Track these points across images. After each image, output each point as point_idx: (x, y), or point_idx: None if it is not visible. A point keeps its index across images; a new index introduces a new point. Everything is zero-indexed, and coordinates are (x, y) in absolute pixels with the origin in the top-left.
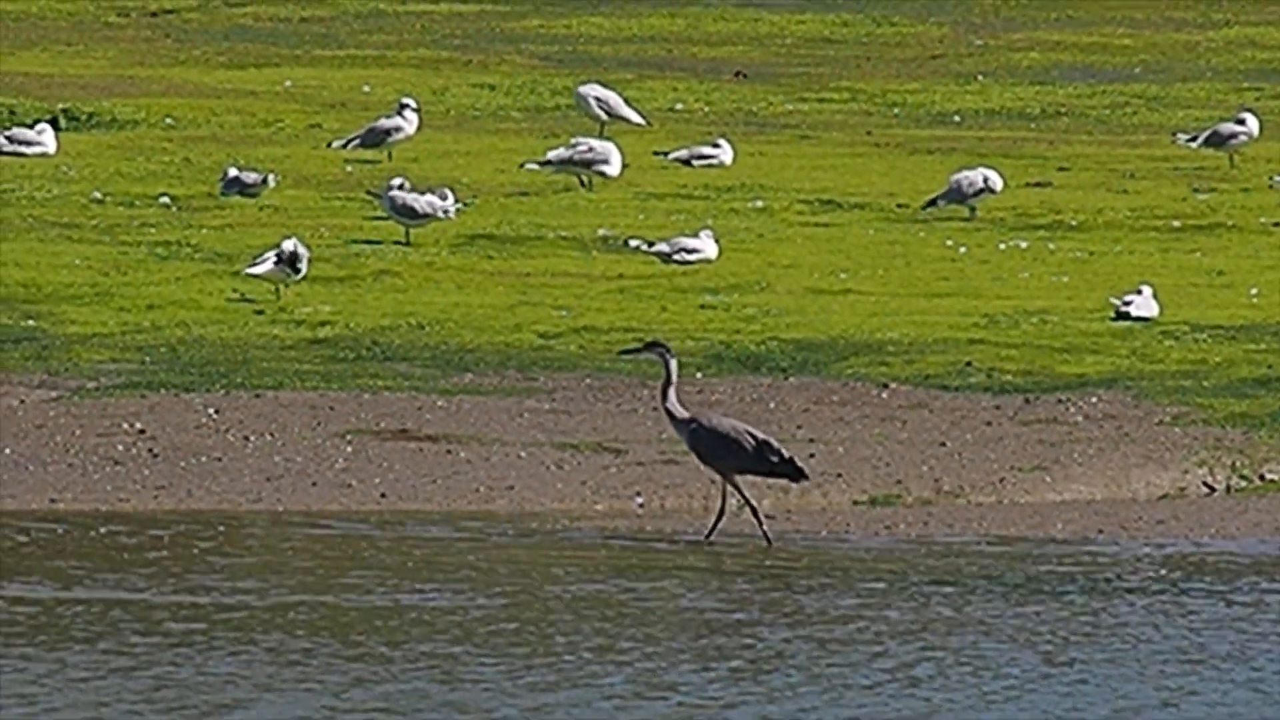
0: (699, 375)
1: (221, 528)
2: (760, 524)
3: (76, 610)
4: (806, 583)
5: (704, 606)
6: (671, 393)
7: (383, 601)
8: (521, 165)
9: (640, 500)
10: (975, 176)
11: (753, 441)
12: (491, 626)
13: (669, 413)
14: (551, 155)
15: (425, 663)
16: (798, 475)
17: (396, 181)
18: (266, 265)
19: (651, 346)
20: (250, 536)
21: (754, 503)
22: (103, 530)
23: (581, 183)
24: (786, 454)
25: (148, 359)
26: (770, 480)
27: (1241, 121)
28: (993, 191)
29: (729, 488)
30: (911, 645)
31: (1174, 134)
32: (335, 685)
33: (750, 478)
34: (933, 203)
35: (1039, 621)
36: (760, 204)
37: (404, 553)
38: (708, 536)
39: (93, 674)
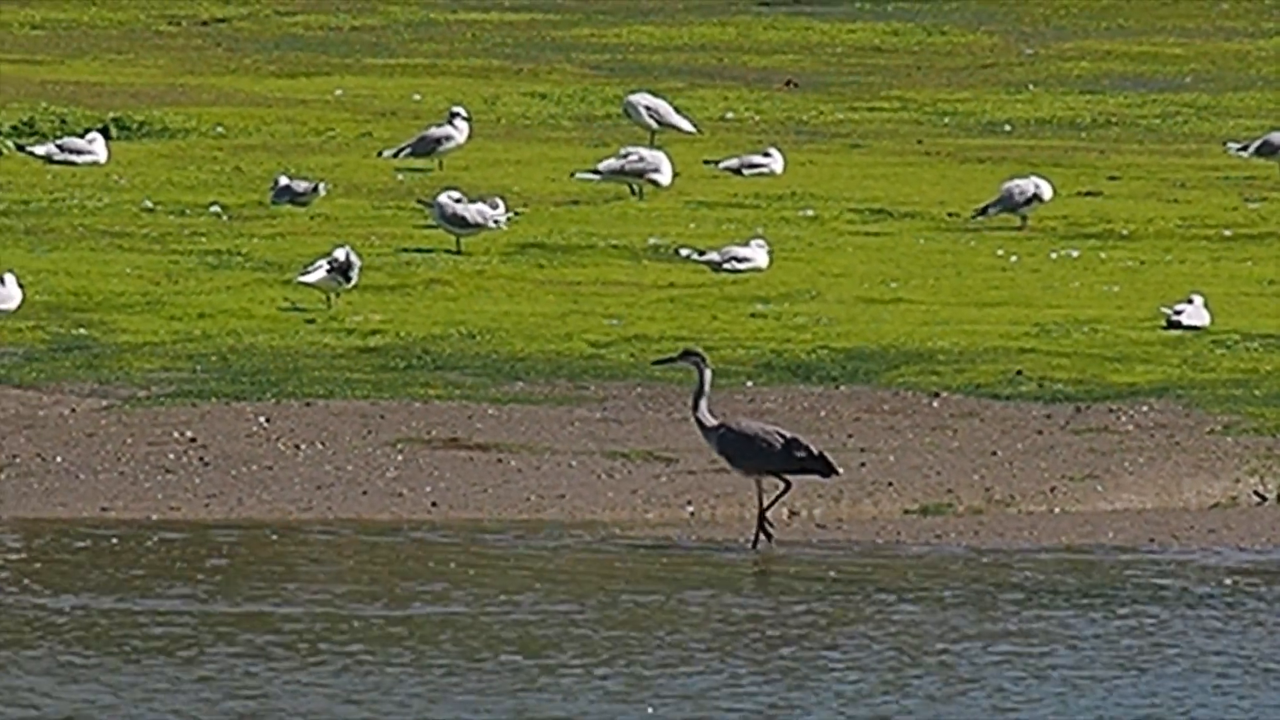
0: (749, 384)
1: (278, 536)
2: (760, 528)
3: (148, 620)
4: (880, 592)
5: (786, 615)
6: (703, 402)
7: (464, 609)
8: (572, 175)
9: (691, 509)
10: (1026, 185)
11: (781, 440)
12: (589, 636)
13: (699, 421)
14: (602, 165)
15: (523, 676)
16: (828, 470)
17: (453, 195)
18: (318, 274)
19: (687, 355)
20: (312, 545)
21: (765, 508)
22: (166, 539)
23: (633, 191)
24: (815, 450)
25: (199, 368)
26: (822, 488)
27: None
28: (1042, 200)
29: (763, 488)
30: (984, 652)
31: (1225, 143)
32: (442, 697)
33: (792, 479)
34: (983, 211)
35: (1099, 630)
36: (811, 213)
37: (472, 561)
38: (753, 543)
39: (174, 686)
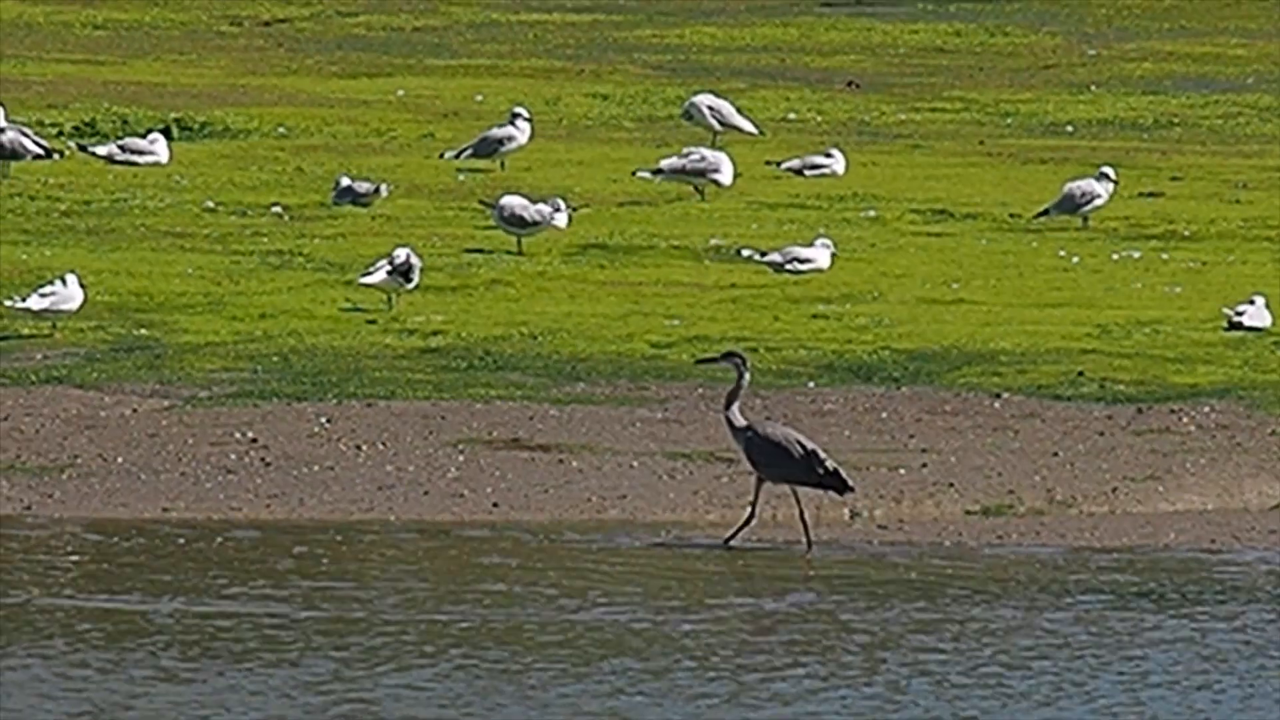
0: (811, 385)
1: (341, 536)
2: (739, 531)
3: (228, 624)
4: (954, 594)
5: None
6: (735, 404)
7: (565, 616)
8: (634, 173)
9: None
10: (1088, 186)
11: (801, 451)
12: (695, 642)
13: (729, 421)
14: (664, 164)
15: (631, 681)
16: (843, 488)
17: (516, 201)
18: (379, 275)
19: (729, 356)
20: (372, 545)
21: (757, 513)
22: (252, 538)
23: (697, 190)
24: (832, 466)
25: (260, 368)
26: (884, 489)
27: None
28: (1100, 196)
29: (796, 496)
30: (1074, 655)
31: None
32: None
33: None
34: (1045, 212)
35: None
36: (873, 214)
37: (550, 563)
38: (808, 547)
39: (266, 689)
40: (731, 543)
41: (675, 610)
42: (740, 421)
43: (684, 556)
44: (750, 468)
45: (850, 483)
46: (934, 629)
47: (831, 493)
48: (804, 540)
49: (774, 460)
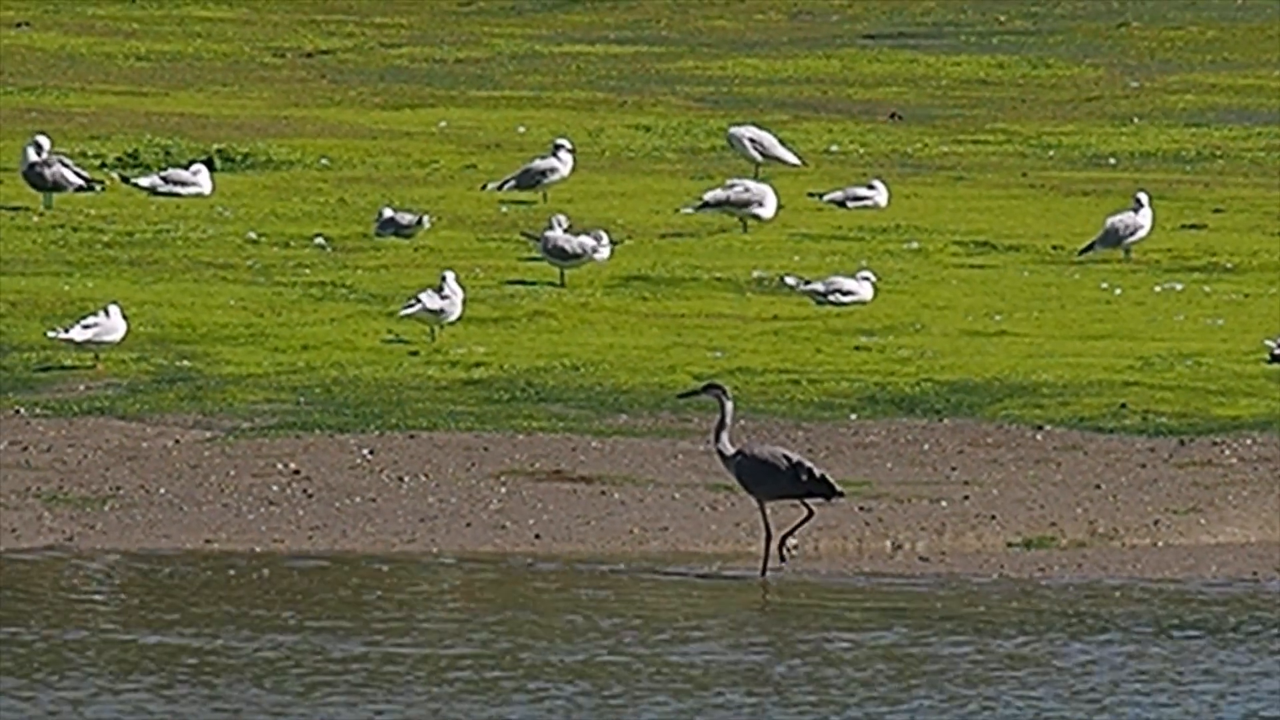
0: (853, 417)
1: (388, 568)
2: (768, 556)
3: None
4: (1039, 630)
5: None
6: (724, 435)
7: (638, 651)
8: (677, 210)
9: (794, 542)
10: (1130, 219)
11: (787, 463)
12: (784, 682)
13: (719, 452)
14: (708, 196)
15: None
16: (830, 493)
17: (560, 219)
18: (421, 306)
19: (710, 389)
20: (416, 578)
21: (773, 532)
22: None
23: (743, 222)
24: (818, 473)
25: (302, 399)
26: (925, 520)
27: None
28: (1142, 227)
29: (765, 517)
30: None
31: None
32: None
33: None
34: (1089, 248)
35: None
36: (915, 245)
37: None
38: (761, 572)
39: None
40: (768, 570)
41: (763, 648)
42: (729, 450)
43: (738, 589)
44: (744, 491)
45: (838, 488)
46: (1026, 663)
47: (820, 499)
48: (761, 566)
49: (763, 478)
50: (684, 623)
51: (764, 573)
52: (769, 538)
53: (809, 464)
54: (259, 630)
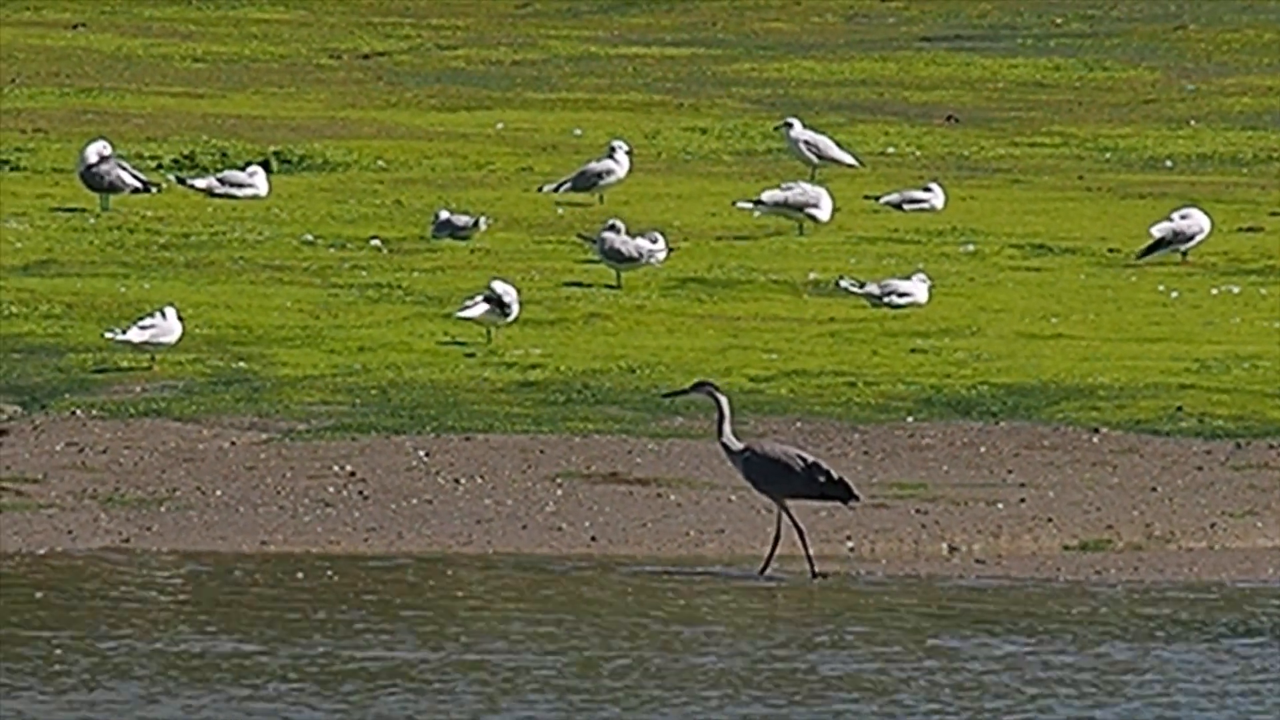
0: (909, 419)
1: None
2: (808, 553)
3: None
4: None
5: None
6: (726, 427)
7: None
8: (733, 204)
9: (850, 544)
10: (1190, 222)
11: (802, 464)
12: (896, 689)
13: (725, 447)
14: (765, 196)
15: None
16: (848, 496)
17: (617, 224)
18: (477, 309)
19: (699, 387)
20: (485, 582)
21: (803, 529)
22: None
23: (799, 224)
24: (836, 475)
25: (358, 401)
26: (981, 523)
27: None
28: (1202, 230)
29: (784, 516)
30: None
31: None
32: None
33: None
34: (1149, 251)
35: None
36: (971, 248)
37: (692, 603)
38: (762, 571)
39: None
40: (816, 571)
41: (877, 655)
42: (737, 445)
43: (810, 593)
44: (751, 489)
45: (856, 491)
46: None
47: (836, 502)
48: (763, 562)
49: (775, 477)
50: (784, 630)
51: (762, 572)
52: (777, 538)
53: (825, 465)
54: (313, 633)
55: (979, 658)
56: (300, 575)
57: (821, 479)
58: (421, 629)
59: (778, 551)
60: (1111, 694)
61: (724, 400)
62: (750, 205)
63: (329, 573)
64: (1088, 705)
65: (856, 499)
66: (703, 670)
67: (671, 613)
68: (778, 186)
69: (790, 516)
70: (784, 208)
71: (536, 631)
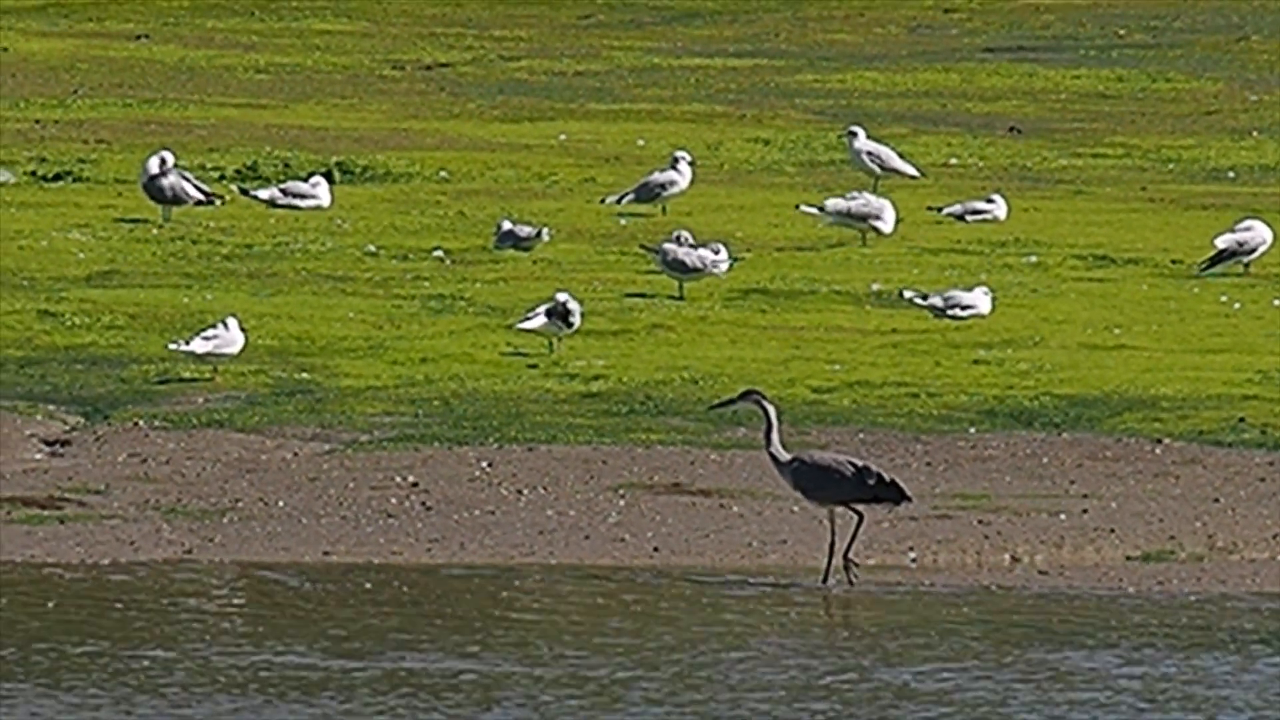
0: (972, 431)
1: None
2: (830, 562)
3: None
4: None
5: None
6: (775, 437)
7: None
8: (797, 207)
9: (913, 555)
10: (1252, 234)
11: (851, 469)
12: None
13: (773, 457)
14: (829, 204)
15: None
16: (900, 498)
17: (684, 235)
18: (539, 320)
19: (747, 395)
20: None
21: (836, 540)
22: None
23: (862, 235)
24: (887, 477)
25: (421, 412)
26: (1044, 534)
27: None
28: (1264, 242)
29: (833, 524)
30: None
31: None
32: None
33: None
34: (1212, 262)
35: None
36: (1034, 259)
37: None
38: (824, 580)
39: None
40: (828, 580)
41: (996, 670)
42: (785, 456)
43: (893, 604)
44: (801, 497)
45: (908, 493)
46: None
47: (889, 504)
48: (824, 573)
49: (824, 483)
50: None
51: (825, 580)
52: (832, 547)
53: (875, 468)
54: (379, 646)
55: (1081, 671)
56: (368, 586)
57: (871, 481)
58: (502, 640)
59: (836, 561)
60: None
61: (772, 410)
62: (814, 210)
63: (395, 584)
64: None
65: (909, 500)
66: (773, 683)
67: (742, 624)
68: (841, 196)
69: (833, 522)
70: (847, 218)
71: (616, 643)
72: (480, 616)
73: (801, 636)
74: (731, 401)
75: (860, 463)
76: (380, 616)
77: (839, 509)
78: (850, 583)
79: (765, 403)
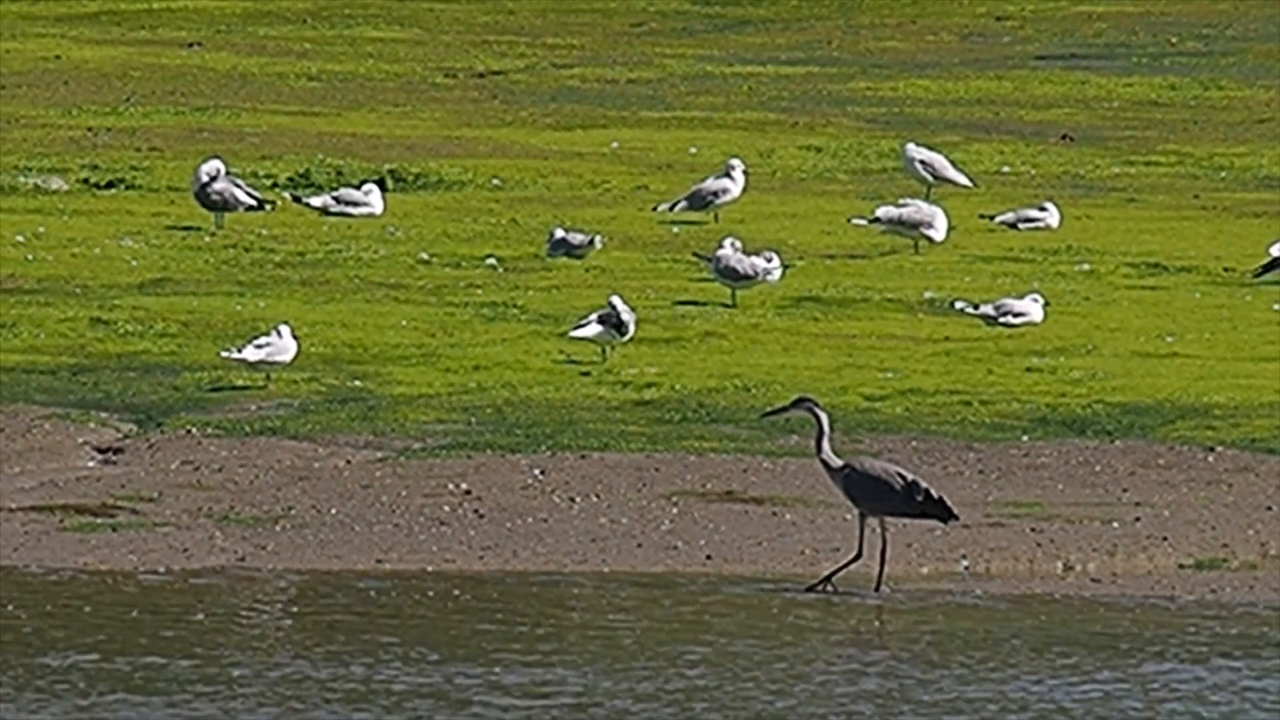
0: (1025, 438)
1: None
2: (882, 570)
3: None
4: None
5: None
6: (825, 444)
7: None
8: (848, 220)
9: (966, 563)
10: None
11: (901, 482)
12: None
13: (825, 463)
14: (880, 212)
15: None
16: (946, 516)
17: (735, 243)
18: (592, 327)
19: (799, 403)
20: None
21: (864, 551)
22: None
23: (914, 243)
24: (935, 494)
25: (474, 420)
26: (1097, 541)
27: None
28: None
29: (884, 532)
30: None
31: None
32: None
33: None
34: (1265, 269)
35: None
36: (1086, 267)
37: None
38: (876, 588)
39: None
40: (832, 581)
41: (1113, 682)
42: (836, 462)
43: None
44: (850, 505)
45: (954, 511)
46: None
47: (935, 521)
48: (875, 581)
49: (875, 494)
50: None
51: (878, 588)
52: (884, 554)
53: (924, 484)
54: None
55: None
56: (428, 594)
57: (920, 497)
58: (569, 650)
59: (887, 570)
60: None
61: (824, 417)
62: (865, 222)
63: (456, 591)
64: None
65: (955, 518)
66: (832, 692)
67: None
68: (893, 203)
69: (861, 531)
70: (899, 225)
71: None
72: (538, 624)
73: (858, 645)
74: (784, 409)
75: (910, 476)
76: (436, 625)
77: (871, 521)
78: (826, 591)
79: (817, 410)
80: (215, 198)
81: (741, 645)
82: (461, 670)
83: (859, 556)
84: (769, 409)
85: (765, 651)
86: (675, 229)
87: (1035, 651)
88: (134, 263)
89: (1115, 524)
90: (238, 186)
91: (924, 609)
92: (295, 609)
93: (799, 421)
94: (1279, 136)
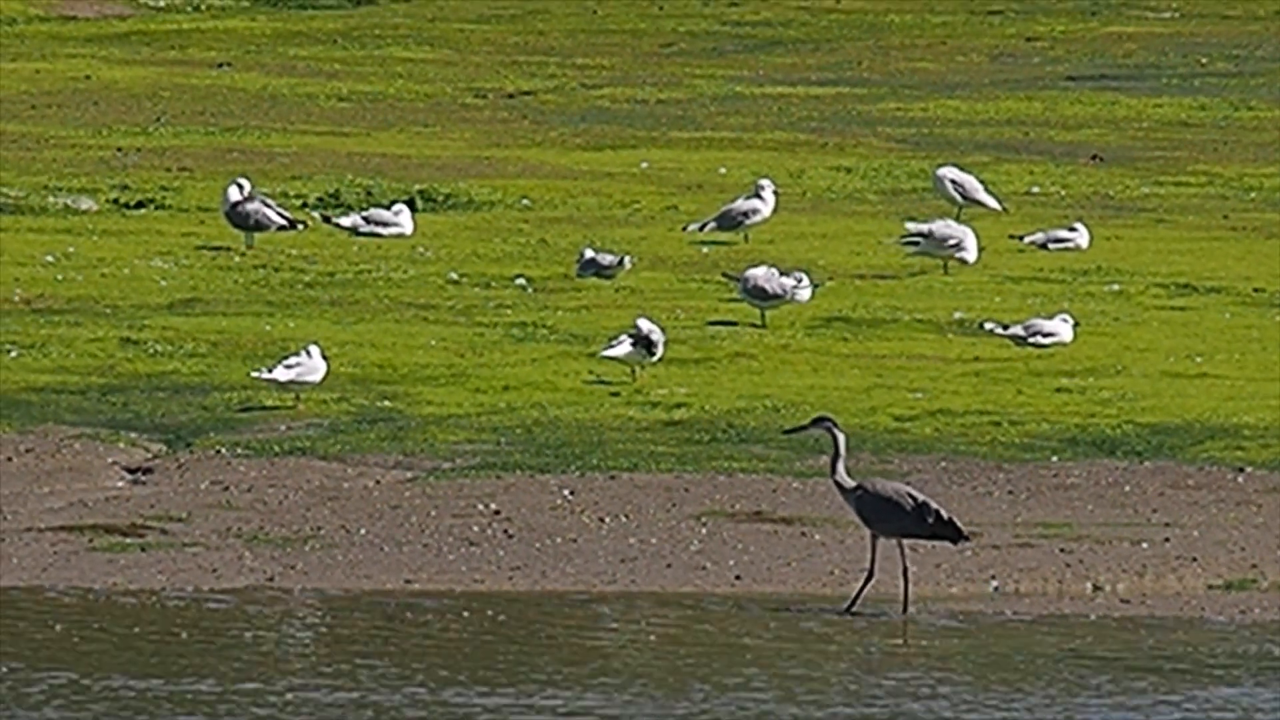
0: (1054, 459)
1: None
2: (861, 593)
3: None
4: None
5: None
6: (840, 465)
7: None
8: (880, 242)
9: (995, 583)
10: None
11: (912, 503)
12: None
13: (838, 484)
14: (910, 225)
15: None
16: (957, 537)
17: (760, 273)
18: (622, 348)
19: (819, 422)
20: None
21: (874, 572)
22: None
23: (944, 264)
24: (945, 515)
25: (503, 440)
26: (1126, 562)
27: None
28: None
29: (903, 554)
30: None
31: None
32: None
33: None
34: None
35: None
36: (1116, 288)
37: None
38: (903, 609)
39: None
40: (854, 608)
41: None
42: (850, 483)
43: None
44: (863, 525)
45: (964, 531)
46: None
47: (946, 542)
48: (901, 602)
49: (886, 515)
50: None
51: (905, 609)
52: (906, 574)
53: (935, 505)
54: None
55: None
56: (457, 615)
57: (930, 519)
58: (599, 672)
59: (912, 589)
60: None
61: (841, 437)
62: (901, 242)
63: (485, 611)
64: None
65: (966, 539)
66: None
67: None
68: (925, 221)
69: (874, 551)
70: (930, 242)
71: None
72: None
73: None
74: (804, 427)
75: (921, 498)
76: (465, 646)
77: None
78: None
79: (835, 430)
80: (246, 218)
81: (774, 666)
82: (493, 691)
83: (871, 577)
84: (790, 427)
85: (798, 671)
86: (705, 249)
87: (1065, 672)
88: (163, 283)
89: (1145, 544)
90: (269, 206)
91: (956, 629)
92: (323, 629)
93: (827, 442)
94: None
